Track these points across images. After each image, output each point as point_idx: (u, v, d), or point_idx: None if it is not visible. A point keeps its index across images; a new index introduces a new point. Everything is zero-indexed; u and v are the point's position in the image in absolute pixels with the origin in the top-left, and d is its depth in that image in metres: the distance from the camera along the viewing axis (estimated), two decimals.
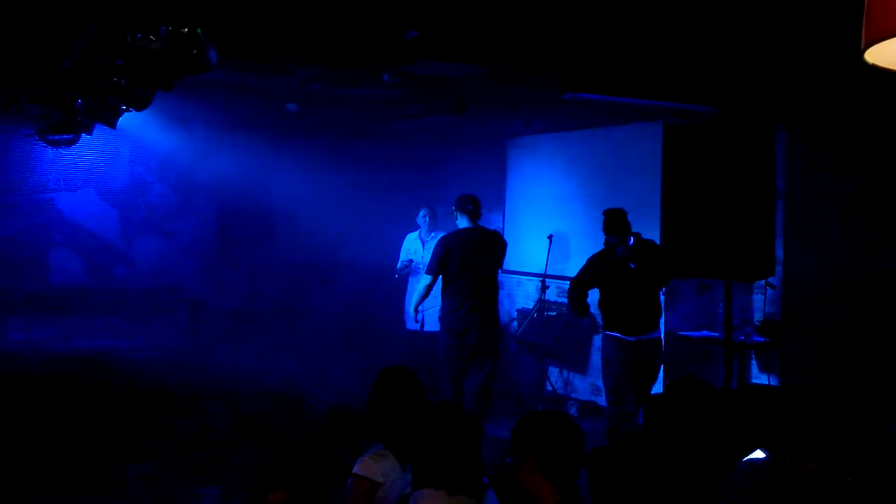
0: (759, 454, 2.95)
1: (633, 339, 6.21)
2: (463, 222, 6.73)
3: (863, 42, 1.58)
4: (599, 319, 6.68)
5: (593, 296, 6.61)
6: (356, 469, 3.18)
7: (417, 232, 8.08)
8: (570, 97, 6.18)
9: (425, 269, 6.91)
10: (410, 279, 7.97)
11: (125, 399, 6.89)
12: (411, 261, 7.90)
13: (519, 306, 8.97)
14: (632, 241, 6.22)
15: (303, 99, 6.98)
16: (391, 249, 8.28)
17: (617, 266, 6.26)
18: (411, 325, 7.74)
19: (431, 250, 7.72)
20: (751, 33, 4.55)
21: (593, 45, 4.99)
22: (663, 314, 6.70)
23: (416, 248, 7.99)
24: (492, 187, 9.42)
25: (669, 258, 5.83)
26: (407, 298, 8.04)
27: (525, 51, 5.18)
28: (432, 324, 7.72)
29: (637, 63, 5.48)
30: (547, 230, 8.37)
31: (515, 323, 8.84)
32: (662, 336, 6.57)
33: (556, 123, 8.35)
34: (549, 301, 8.15)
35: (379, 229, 8.72)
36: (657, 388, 6.43)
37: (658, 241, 5.87)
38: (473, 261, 6.62)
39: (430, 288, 6.67)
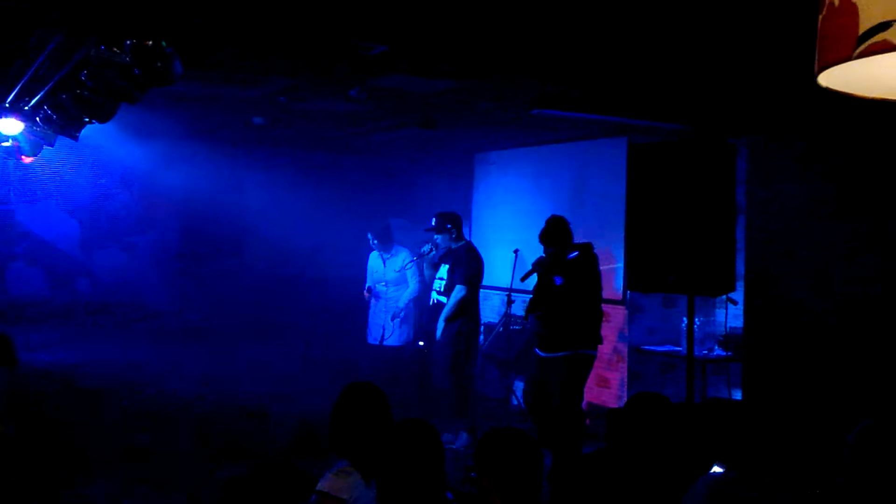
0: (719, 468, 2.98)
1: (543, 355, 6.12)
2: (463, 237, 7.07)
3: (816, 66, 1.62)
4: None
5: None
6: (320, 486, 3.15)
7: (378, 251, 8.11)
8: (537, 113, 6.24)
9: (463, 279, 6.82)
10: (372, 300, 8.03)
11: (86, 413, 6.78)
12: (370, 287, 8.03)
13: (485, 320, 8.97)
14: (575, 255, 6.05)
15: (269, 112, 6.96)
16: (359, 262, 8.28)
17: (542, 278, 6.13)
18: (372, 339, 7.97)
19: (392, 266, 7.80)
20: (713, 51, 4.63)
21: (561, 61, 5.04)
22: (629, 329, 6.73)
23: (378, 266, 8.06)
24: (459, 201, 9.45)
25: (598, 280, 5.97)
26: (371, 313, 8.05)
27: (493, 67, 5.22)
28: (395, 338, 7.77)
29: (603, 80, 5.54)
30: (513, 244, 8.41)
31: (482, 337, 8.85)
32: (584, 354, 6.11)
33: (523, 138, 8.41)
34: (514, 315, 8.18)
35: (346, 242, 8.71)
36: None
37: (623, 256, 5.88)
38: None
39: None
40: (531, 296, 6.44)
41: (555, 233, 6.09)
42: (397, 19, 4.17)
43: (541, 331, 6.20)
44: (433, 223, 7.14)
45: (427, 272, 7.41)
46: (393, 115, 6.99)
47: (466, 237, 7.32)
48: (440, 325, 6.87)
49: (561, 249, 6.04)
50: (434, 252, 7.20)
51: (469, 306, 6.88)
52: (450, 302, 6.81)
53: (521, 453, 2.64)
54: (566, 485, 3.09)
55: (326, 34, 4.43)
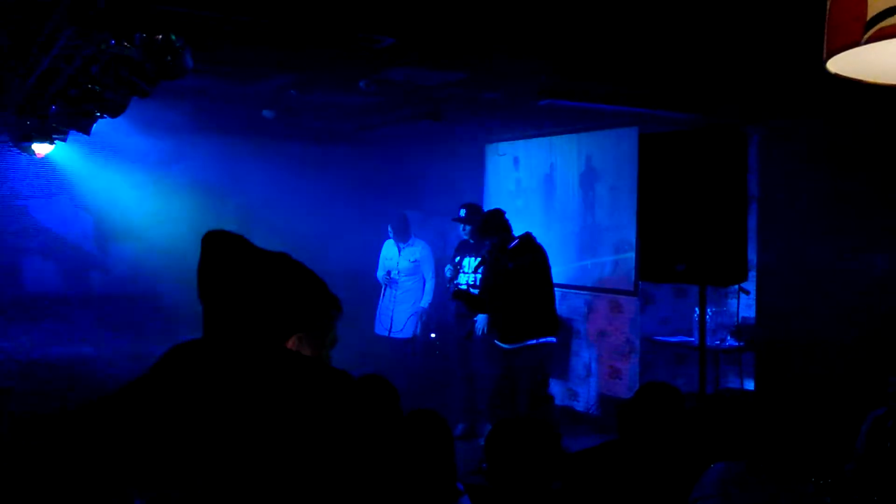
0: (730, 458, 2.98)
1: (506, 347, 6.20)
2: None
3: (824, 53, 1.61)
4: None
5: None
6: None
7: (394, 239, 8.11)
8: (546, 104, 6.22)
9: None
10: (387, 289, 8.01)
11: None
12: (389, 272, 7.94)
13: None
14: (515, 243, 6.20)
15: (280, 105, 6.97)
16: (369, 254, 8.28)
17: (493, 265, 6.27)
18: (380, 330, 7.92)
19: (408, 256, 7.78)
20: (725, 39, 4.60)
21: (570, 51, 5.02)
22: (641, 320, 6.69)
23: (392, 254, 8.01)
24: (470, 192, 9.44)
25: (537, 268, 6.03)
26: (380, 304, 8.04)
27: (502, 57, 5.20)
28: (404, 330, 7.76)
29: (612, 69, 5.51)
30: None
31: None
32: (547, 343, 6.29)
33: (533, 128, 8.39)
34: None
35: (357, 234, 8.72)
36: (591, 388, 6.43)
37: (635, 245, 5.86)
38: None
39: None
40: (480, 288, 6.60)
41: (493, 225, 6.23)
42: (404, 11, 4.16)
43: (498, 322, 6.27)
44: (463, 214, 7.02)
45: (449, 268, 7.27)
46: (400, 106, 6.98)
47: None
48: (483, 322, 6.82)
49: (503, 239, 6.19)
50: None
51: None
52: None
53: (532, 444, 2.64)
54: (577, 475, 3.09)
55: (334, 28, 4.43)
